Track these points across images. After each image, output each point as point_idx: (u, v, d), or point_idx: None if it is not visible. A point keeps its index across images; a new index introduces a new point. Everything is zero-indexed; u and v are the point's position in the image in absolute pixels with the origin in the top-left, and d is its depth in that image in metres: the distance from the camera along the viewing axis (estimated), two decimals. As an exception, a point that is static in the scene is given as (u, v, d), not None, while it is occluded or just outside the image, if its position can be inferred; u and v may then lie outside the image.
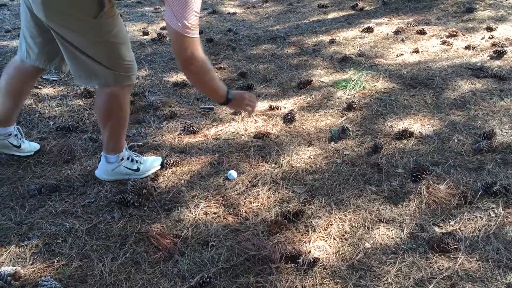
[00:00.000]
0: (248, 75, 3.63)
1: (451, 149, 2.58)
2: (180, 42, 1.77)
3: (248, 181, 2.35)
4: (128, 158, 2.36)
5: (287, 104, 3.16)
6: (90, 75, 2.03)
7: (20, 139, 2.47)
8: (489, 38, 4.02)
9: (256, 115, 3.02)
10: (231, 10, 5.46)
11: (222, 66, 3.78)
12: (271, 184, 2.32)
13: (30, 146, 2.54)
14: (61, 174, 2.40)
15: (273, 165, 2.49)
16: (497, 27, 4.27)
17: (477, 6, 4.84)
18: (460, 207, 2.12)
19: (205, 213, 2.12)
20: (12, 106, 2.32)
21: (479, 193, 2.18)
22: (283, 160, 2.52)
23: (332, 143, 2.69)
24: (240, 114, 3.03)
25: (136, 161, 2.39)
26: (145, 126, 2.91)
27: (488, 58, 3.70)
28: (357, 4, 5.20)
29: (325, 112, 3.04)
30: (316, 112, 3.04)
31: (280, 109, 3.08)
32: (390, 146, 2.63)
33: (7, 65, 2.32)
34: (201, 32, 4.61)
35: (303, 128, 2.87)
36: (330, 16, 5.02)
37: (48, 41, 2.12)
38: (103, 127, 2.23)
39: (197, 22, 1.78)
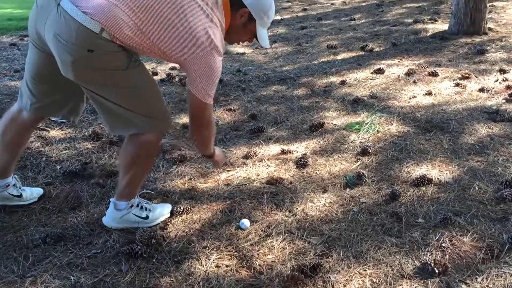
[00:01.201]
0: (259, 117, 3.58)
1: (472, 198, 2.48)
2: (201, 108, 1.96)
3: (262, 230, 2.25)
4: (138, 205, 2.27)
5: (299, 148, 3.09)
6: (127, 125, 1.99)
7: (20, 187, 2.38)
8: (503, 80, 3.97)
9: (268, 159, 2.94)
10: (240, 50, 5.48)
11: (232, 108, 3.73)
12: (286, 234, 2.22)
13: (32, 193, 2.46)
14: (67, 222, 2.31)
15: (287, 213, 2.39)
16: (510, 69, 4.23)
17: (488, 47, 4.81)
18: (487, 262, 2.00)
19: (217, 266, 2.01)
20: (9, 159, 2.25)
21: (506, 246, 2.06)
22: (297, 208, 2.43)
23: (348, 189, 2.60)
24: (251, 158, 2.95)
25: (146, 209, 2.30)
26: (154, 170, 2.83)
27: (504, 101, 3.63)
28: (366, 45, 5.20)
29: (338, 156, 2.96)
30: (330, 157, 2.96)
31: (293, 153, 3.00)
32: (408, 193, 2.53)
33: (4, 115, 2.24)
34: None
35: (316, 173, 2.78)
36: (340, 57, 5.00)
37: (57, 90, 2.08)
38: (125, 172, 2.14)
39: (214, 91, 1.98)
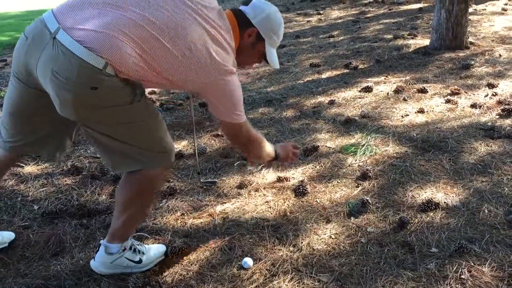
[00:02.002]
0: (248, 142, 3.40)
1: (483, 222, 2.35)
2: (236, 129, 1.92)
3: (266, 269, 2.06)
4: (131, 248, 2.05)
5: (295, 174, 2.92)
6: (129, 161, 1.81)
7: None
8: (493, 95, 3.91)
9: (264, 188, 2.76)
10: (221, 71, 5.31)
11: (219, 133, 3.54)
12: (293, 273, 2.04)
13: (2, 238, 2.22)
14: (50, 270, 2.07)
15: (291, 249, 2.21)
16: (498, 83, 4.18)
17: (473, 62, 4.78)
18: (513, 294, 1.86)
19: (222, 315, 1.81)
20: None
21: (530, 276, 1.93)
22: (302, 242, 2.25)
23: (352, 218, 2.44)
24: (246, 188, 2.77)
25: (139, 251, 2.08)
26: (142, 206, 2.61)
27: (497, 117, 3.56)
28: (350, 62, 5.11)
29: (338, 182, 2.80)
30: (329, 182, 2.80)
31: (289, 180, 2.83)
32: (417, 220, 2.39)
33: None
34: (192, 96, 4.41)
35: (317, 201, 2.61)
36: (325, 75, 4.89)
37: (42, 127, 1.88)
38: (121, 212, 1.94)
39: (243, 106, 1.88)
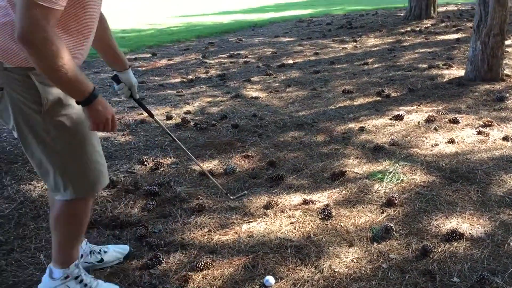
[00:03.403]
0: (278, 164, 3.48)
1: (508, 255, 2.34)
2: (35, 16, 1.50)
3: (287, 289, 2.12)
4: (76, 278, 2.01)
5: (321, 198, 2.98)
6: (44, 175, 1.84)
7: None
8: (526, 128, 3.87)
9: (289, 209, 2.83)
10: (254, 94, 5.44)
11: (249, 154, 3.64)
12: (313, 294, 2.08)
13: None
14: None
15: (313, 270, 2.26)
16: (532, 117, 4.14)
17: (507, 94, 4.74)
18: (534, 329, 1.85)
19: (242, 329, 1.87)
20: None
21: (553, 312, 1.92)
22: (323, 264, 2.30)
23: (375, 244, 2.47)
24: (272, 208, 2.84)
25: (85, 285, 2.02)
26: (171, 221, 2.72)
27: (529, 150, 3.53)
28: (383, 90, 5.15)
29: (363, 207, 2.84)
30: (354, 207, 2.84)
31: (315, 203, 2.89)
32: (440, 249, 2.40)
33: None
34: (225, 117, 4.55)
35: (341, 225, 2.66)
36: (357, 102, 4.94)
37: None
38: (52, 230, 1.97)
39: None
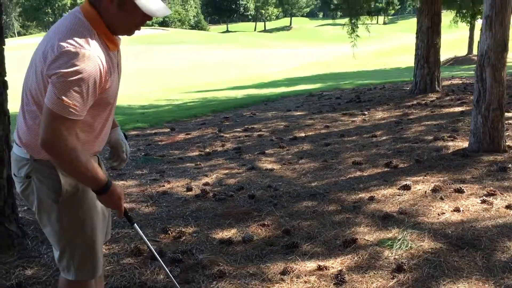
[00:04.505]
0: (292, 233, 3.70)
1: (512, 317, 2.49)
2: (54, 123, 1.79)
3: None
4: None
5: (334, 264, 3.17)
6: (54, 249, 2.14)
7: None
8: (529, 197, 4.08)
9: (305, 275, 3.02)
10: (269, 166, 5.74)
11: (265, 223, 3.87)
12: None
13: None
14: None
15: (328, 331, 2.42)
16: (534, 186, 4.35)
17: (510, 165, 4.98)
18: None
19: None
20: None
21: None
22: (338, 326, 2.46)
23: (386, 307, 2.63)
24: (289, 274, 3.03)
25: None
26: (195, 287, 2.92)
27: (532, 218, 3.71)
28: (390, 161, 5.42)
29: (374, 273, 3.02)
30: (365, 273, 3.02)
31: (329, 269, 3.08)
32: (448, 312, 2.56)
33: None
34: (241, 188, 4.82)
35: (354, 290, 2.83)
36: (366, 173, 5.21)
37: None
38: None
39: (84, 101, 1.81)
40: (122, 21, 1.89)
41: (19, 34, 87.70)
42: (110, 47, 1.93)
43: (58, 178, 1.97)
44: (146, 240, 2.29)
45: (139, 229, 2.25)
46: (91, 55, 1.79)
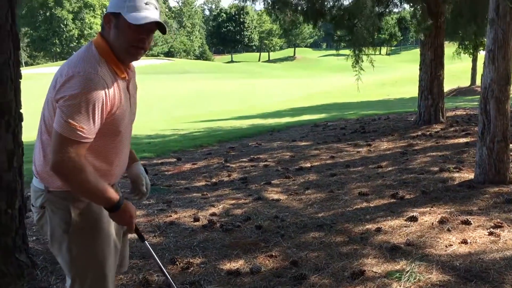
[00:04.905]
0: (300, 264, 3.71)
1: None
2: (62, 146, 1.88)
3: None
4: None
5: (343, 296, 3.17)
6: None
7: None
8: (536, 229, 4.08)
9: (313, 307, 3.02)
10: (275, 196, 5.76)
11: (273, 254, 3.88)
12: None
13: None
14: None
15: None
16: (541, 218, 4.36)
17: (516, 196, 5.00)
18: None
19: None
20: None
21: None
22: None
23: None
24: (297, 306, 3.03)
25: None
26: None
27: (539, 250, 3.71)
28: (397, 193, 5.45)
29: (383, 305, 3.02)
30: (374, 305, 3.02)
31: (337, 301, 3.08)
32: None
33: None
34: (248, 219, 4.84)
35: (363, 322, 2.83)
36: (373, 204, 5.23)
37: None
38: None
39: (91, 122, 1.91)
40: (120, 41, 1.98)
41: (26, 64, 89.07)
42: (119, 74, 2.03)
43: (69, 209, 2.04)
44: (157, 258, 2.33)
45: (149, 247, 2.30)
46: (95, 78, 1.89)
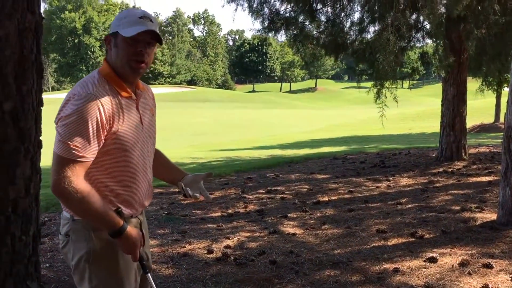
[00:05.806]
0: (314, 303, 3.60)
1: None
2: (59, 167, 1.89)
3: None
4: None
5: None
6: None
7: None
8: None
9: None
10: (291, 230, 5.68)
11: (286, 291, 3.79)
12: None
13: None
14: None
15: None
16: None
17: (541, 240, 4.83)
18: None
19: None
20: None
21: None
22: None
23: None
24: None
25: None
26: None
27: None
28: (416, 231, 5.31)
29: None
30: None
31: None
32: None
33: None
34: (263, 253, 4.76)
35: None
36: (391, 242, 5.10)
37: None
38: None
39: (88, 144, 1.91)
40: (120, 57, 2.03)
41: (53, 89, 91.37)
42: (121, 93, 2.05)
43: (90, 238, 2.04)
44: None
45: (152, 280, 2.25)
46: (89, 97, 1.93)
